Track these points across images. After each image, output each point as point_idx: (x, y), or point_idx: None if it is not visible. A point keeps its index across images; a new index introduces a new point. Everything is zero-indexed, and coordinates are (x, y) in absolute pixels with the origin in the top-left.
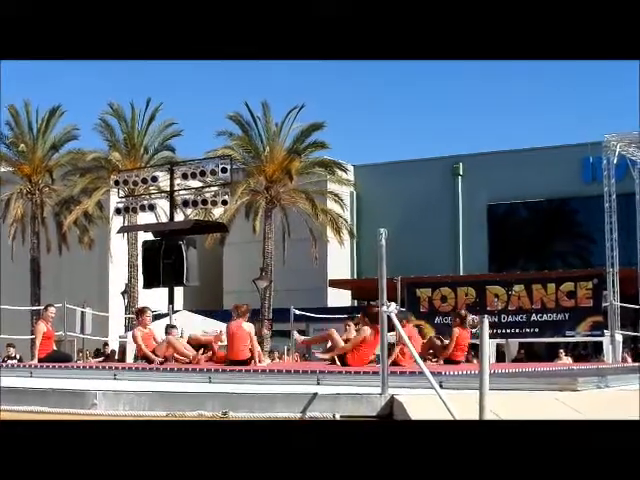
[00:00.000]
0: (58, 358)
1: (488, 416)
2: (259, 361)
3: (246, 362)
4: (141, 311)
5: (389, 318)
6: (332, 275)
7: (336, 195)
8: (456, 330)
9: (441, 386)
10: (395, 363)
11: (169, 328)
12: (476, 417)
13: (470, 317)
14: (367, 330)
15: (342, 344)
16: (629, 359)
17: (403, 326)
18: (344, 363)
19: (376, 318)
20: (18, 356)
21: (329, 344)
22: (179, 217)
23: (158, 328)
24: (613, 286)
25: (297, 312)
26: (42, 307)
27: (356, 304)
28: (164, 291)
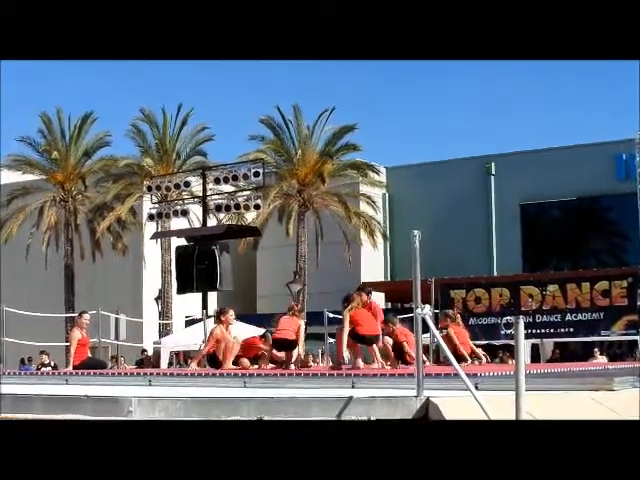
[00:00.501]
0: (93, 365)
1: (524, 417)
2: (296, 358)
3: (292, 344)
4: (223, 311)
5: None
6: (366, 277)
7: (368, 197)
8: (450, 330)
9: (476, 388)
10: (408, 363)
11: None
12: (512, 418)
13: (457, 314)
14: (351, 309)
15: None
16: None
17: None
18: (359, 339)
19: (350, 302)
20: (52, 363)
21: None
22: (212, 222)
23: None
24: None
25: (331, 315)
26: (76, 314)
27: (390, 306)
28: (198, 296)
